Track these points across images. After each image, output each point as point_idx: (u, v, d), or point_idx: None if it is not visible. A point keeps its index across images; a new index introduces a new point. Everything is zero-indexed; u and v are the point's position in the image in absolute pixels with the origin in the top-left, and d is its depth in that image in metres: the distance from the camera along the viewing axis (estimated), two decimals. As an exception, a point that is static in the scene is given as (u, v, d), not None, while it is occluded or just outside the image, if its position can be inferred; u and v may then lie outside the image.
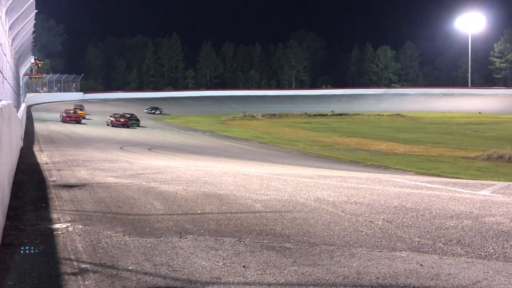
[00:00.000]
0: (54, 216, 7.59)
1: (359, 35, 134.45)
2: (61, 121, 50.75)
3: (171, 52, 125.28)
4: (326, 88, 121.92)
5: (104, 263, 5.22)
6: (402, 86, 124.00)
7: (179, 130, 51.77)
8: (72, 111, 54.15)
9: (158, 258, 5.39)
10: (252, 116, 78.57)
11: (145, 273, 4.88)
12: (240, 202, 8.95)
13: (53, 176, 12.30)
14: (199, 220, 7.36)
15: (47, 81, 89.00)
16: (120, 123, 51.96)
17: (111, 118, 53.39)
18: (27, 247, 5.81)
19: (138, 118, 57.67)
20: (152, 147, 30.52)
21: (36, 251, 5.70)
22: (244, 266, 5.09)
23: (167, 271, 4.96)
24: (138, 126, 54.87)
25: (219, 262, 5.22)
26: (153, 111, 79.08)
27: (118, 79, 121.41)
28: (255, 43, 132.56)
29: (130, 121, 53.99)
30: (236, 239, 6.21)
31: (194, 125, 61.71)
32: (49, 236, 6.39)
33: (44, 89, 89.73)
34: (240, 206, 8.59)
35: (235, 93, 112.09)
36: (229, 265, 5.13)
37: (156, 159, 20.53)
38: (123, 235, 6.42)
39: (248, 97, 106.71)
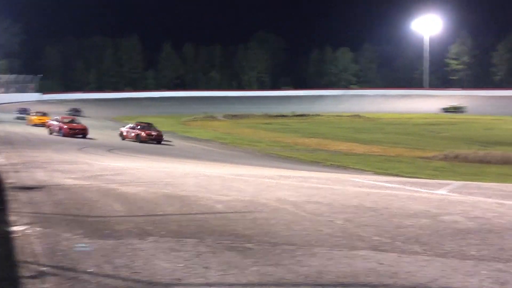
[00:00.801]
0: (12, 218, 7.43)
1: (319, 36, 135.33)
2: (57, 134, 38.11)
3: (131, 53, 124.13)
4: (287, 89, 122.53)
5: (63, 266, 5.14)
6: (361, 87, 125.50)
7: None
8: (69, 120, 41.20)
9: (118, 260, 5.33)
10: (213, 117, 78.42)
11: (105, 276, 4.83)
12: (202, 203, 8.93)
13: (10, 178, 12.05)
14: (160, 222, 7.30)
15: (5, 82, 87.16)
16: (151, 138, 38.13)
17: (137, 131, 38.71)
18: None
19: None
20: (112, 148, 30.15)
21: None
22: (205, 267, 5.08)
23: (127, 273, 4.92)
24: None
25: (180, 264, 5.20)
26: (76, 112, 69.02)
27: (77, 79, 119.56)
28: (216, 44, 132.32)
29: None
30: (198, 240, 6.19)
31: (154, 126, 61.15)
32: (6, 239, 6.26)
33: (1, 90, 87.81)
34: (201, 207, 8.56)
35: (196, 94, 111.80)
36: (190, 266, 5.11)
37: (116, 161, 20.32)
38: (83, 237, 6.33)
39: (209, 98, 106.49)
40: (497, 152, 34.17)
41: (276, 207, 8.48)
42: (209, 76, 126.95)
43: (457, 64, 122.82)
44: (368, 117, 78.75)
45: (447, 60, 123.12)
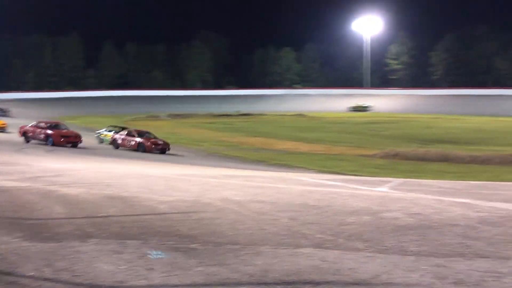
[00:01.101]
0: None
1: (262, 36, 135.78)
2: (43, 143, 32.45)
3: (71, 51, 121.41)
4: (231, 88, 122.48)
5: (1, 270, 4.99)
6: (304, 87, 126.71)
7: (79, 132, 50.10)
8: (51, 124, 34.25)
9: (59, 263, 5.20)
10: (157, 117, 77.62)
11: (46, 279, 4.71)
12: (145, 204, 8.82)
13: None
14: (102, 224, 7.18)
15: None
16: (158, 148, 33.68)
17: (139, 140, 34.13)
18: None
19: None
20: (52, 149, 29.46)
21: None
22: (148, 269, 5.02)
23: (68, 276, 4.81)
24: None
25: (123, 266, 5.12)
26: (2, 113, 65.11)
27: (16, 79, 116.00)
28: (158, 42, 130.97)
29: None
30: (141, 242, 6.11)
31: (96, 126, 60.00)
32: None
33: None
34: (144, 208, 8.46)
35: (139, 93, 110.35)
36: (133, 268, 5.04)
37: (56, 162, 19.87)
38: (22, 240, 6.15)
39: (152, 97, 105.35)
40: (435, 149, 35.15)
41: (221, 207, 8.47)
42: (151, 75, 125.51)
43: (396, 64, 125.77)
44: (311, 116, 79.61)
45: (387, 60, 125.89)
